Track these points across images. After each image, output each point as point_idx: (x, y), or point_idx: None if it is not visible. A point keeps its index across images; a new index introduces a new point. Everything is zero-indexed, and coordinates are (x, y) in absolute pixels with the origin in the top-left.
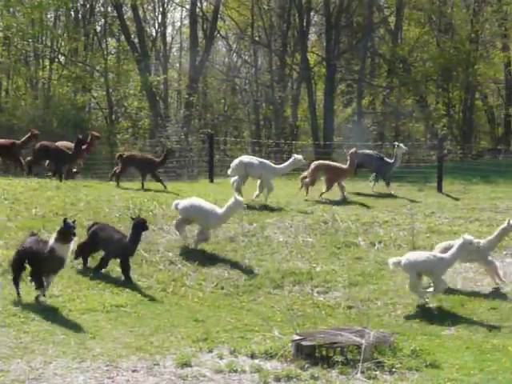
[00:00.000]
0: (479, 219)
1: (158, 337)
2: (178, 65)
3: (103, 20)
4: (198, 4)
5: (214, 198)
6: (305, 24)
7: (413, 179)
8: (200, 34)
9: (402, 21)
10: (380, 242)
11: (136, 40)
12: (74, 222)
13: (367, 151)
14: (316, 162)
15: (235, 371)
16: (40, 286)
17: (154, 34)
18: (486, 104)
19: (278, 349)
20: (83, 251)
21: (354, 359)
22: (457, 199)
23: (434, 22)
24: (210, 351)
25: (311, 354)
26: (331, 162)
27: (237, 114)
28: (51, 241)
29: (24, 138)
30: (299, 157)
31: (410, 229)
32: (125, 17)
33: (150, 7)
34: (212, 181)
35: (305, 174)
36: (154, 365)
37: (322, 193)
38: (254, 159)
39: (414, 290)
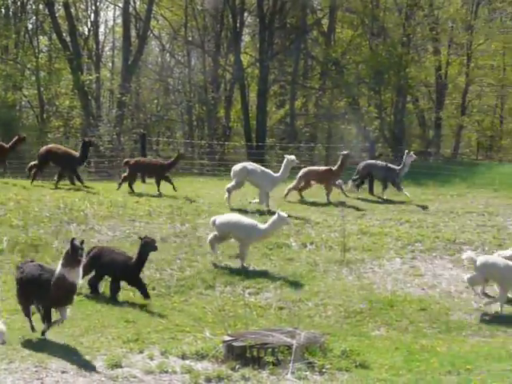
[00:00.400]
0: (410, 221)
1: (89, 337)
2: (110, 64)
3: (35, 17)
4: (131, 3)
5: (146, 199)
6: (238, 25)
7: (345, 181)
8: (133, 33)
9: (335, 23)
10: (311, 243)
11: (68, 38)
12: (82, 242)
13: (373, 161)
14: (304, 169)
15: (166, 372)
16: (48, 320)
17: (86, 32)
18: (417, 107)
19: (209, 349)
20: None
21: (284, 360)
22: (388, 201)
23: (367, 24)
24: (141, 352)
25: (242, 355)
26: (319, 167)
27: (170, 114)
28: (58, 267)
29: (11, 143)
30: (291, 157)
31: (341, 230)
32: (57, 15)
33: (82, 6)
34: (144, 181)
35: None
36: (84, 366)
37: (327, 197)
38: (258, 167)
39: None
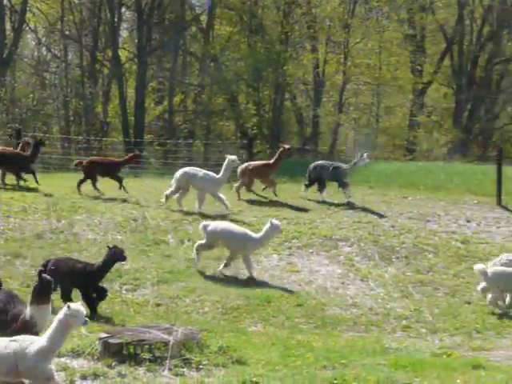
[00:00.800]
0: (287, 218)
1: None
2: None
3: None
4: None
5: (21, 195)
6: (116, 20)
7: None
8: (8, 26)
9: (213, 20)
10: (189, 240)
11: None
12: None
13: (320, 162)
14: (242, 166)
15: None
16: None
17: None
18: (295, 104)
19: (85, 347)
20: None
21: (161, 356)
22: (265, 197)
23: (245, 22)
24: None
25: (119, 352)
26: (255, 162)
27: (46, 109)
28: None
29: None
30: (232, 157)
31: None
32: None
33: None
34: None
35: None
36: None
37: (274, 191)
38: (198, 170)
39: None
